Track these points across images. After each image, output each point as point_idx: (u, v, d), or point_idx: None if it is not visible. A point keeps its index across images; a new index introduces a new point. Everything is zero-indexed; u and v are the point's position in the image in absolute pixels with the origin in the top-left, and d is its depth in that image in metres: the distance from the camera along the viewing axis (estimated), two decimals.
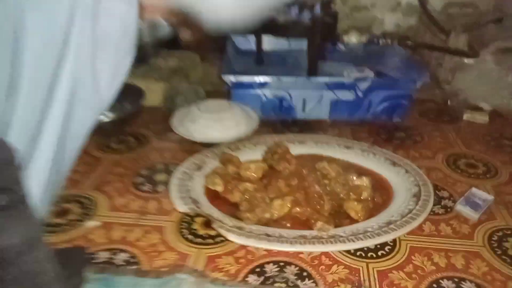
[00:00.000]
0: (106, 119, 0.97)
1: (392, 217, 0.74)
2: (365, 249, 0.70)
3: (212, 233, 0.73)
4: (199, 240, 0.72)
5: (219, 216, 0.75)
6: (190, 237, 0.73)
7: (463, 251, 0.71)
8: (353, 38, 1.19)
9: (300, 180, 0.83)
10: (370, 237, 0.69)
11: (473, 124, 1.15)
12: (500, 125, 1.13)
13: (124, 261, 0.68)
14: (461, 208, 0.80)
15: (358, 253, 0.70)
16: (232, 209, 0.78)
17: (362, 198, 0.79)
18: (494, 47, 1.26)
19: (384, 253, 0.70)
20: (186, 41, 1.46)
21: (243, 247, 0.70)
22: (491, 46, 1.26)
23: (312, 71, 1.08)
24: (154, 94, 1.11)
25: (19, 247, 0.45)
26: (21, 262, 0.45)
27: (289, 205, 0.77)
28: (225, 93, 1.17)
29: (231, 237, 0.70)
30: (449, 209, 0.81)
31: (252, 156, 0.93)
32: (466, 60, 1.26)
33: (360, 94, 1.09)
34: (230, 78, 1.06)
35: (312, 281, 0.65)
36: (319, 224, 0.72)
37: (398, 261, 0.69)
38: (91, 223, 0.76)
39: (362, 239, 0.69)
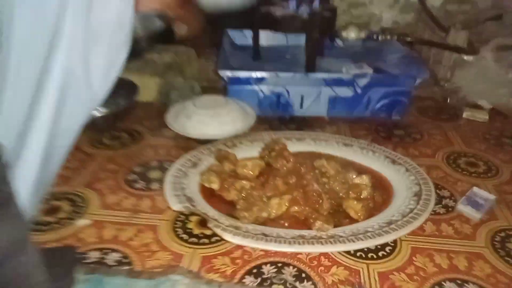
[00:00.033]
0: (98, 114, 0.94)
1: (393, 217, 0.72)
2: (365, 249, 0.68)
3: (208, 232, 0.71)
4: (194, 239, 0.70)
5: (215, 215, 0.73)
6: (184, 236, 0.70)
7: (465, 252, 0.69)
8: (352, 34, 1.17)
9: (298, 178, 0.81)
10: (370, 238, 0.67)
11: (472, 122, 1.13)
12: (500, 123, 1.12)
13: (116, 261, 0.65)
14: (462, 207, 0.78)
15: (358, 254, 0.68)
16: (228, 208, 0.76)
17: (362, 197, 0.77)
18: (494, 44, 1.24)
19: (385, 254, 0.68)
20: (181, 36, 1.44)
21: (239, 247, 0.68)
22: (491, 43, 1.25)
23: (310, 67, 1.06)
24: (148, 89, 1.09)
25: (6, 249, 0.42)
26: (8, 265, 0.43)
27: (287, 204, 0.75)
28: (221, 89, 1.14)
29: (227, 236, 0.68)
30: (450, 209, 0.79)
31: (249, 153, 0.91)
32: (465, 58, 1.24)
33: (358, 90, 1.07)
34: (227, 73, 1.04)
35: (311, 282, 0.63)
36: (318, 223, 0.70)
37: (399, 262, 0.67)
38: (82, 222, 0.73)
39: (362, 240, 0.67)
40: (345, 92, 1.07)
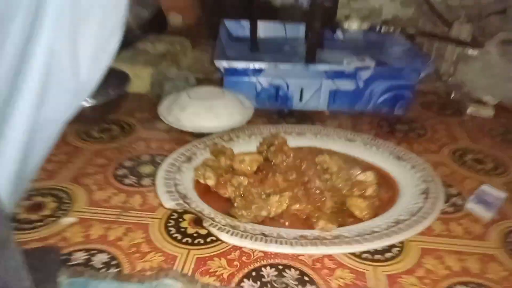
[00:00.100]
0: (87, 105, 0.89)
1: (401, 216, 0.68)
2: (371, 250, 0.64)
3: (203, 232, 0.66)
4: (188, 239, 0.65)
5: (211, 213, 0.68)
6: (178, 236, 0.65)
7: (477, 253, 0.65)
8: (354, 25, 1.13)
9: (298, 175, 0.77)
10: (378, 238, 0.62)
11: (477, 118, 1.09)
12: (506, 119, 1.08)
13: (103, 263, 0.60)
14: (472, 206, 0.74)
15: (363, 256, 0.63)
16: (225, 206, 0.71)
17: (366, 194, 0.73)
18: (499, 39, 1.20)
19: (393, 255, 0.64)
20: (176, 26, 1.39)
21: (237, 248, 0.63)
22: (495, 38, 1.21)
23: (311, 58, 1.01)
24: (140, 79, 1.03)
25: None
26: None
27: (287, 202, 0.70)
28: (217, 81, 1.10)
29: (223, 237, 0.63)
30: (459, 208, 0.75)
31: (246, 147, 0.86)
32: (469, 52, 1.20)
33: (360, 84, 1.02)
34: (223, 64, 0.99)
35: (314, 287, 0.58)
36: (321, 223, 0.65)
37: (408, 264, 0.63)
38: (67, 220, 0.68)
39: (369, 240, 0.62)
40: (347, 85, 1.02)
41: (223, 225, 0.65)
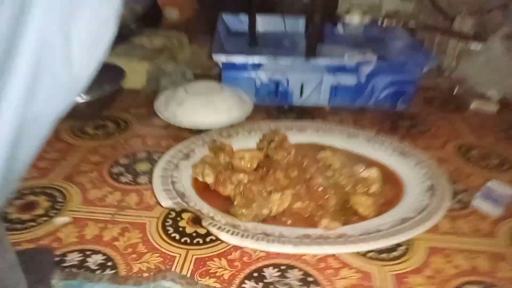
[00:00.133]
0: (81, 100, 0.86)
1: (407, 214, 0.66)
2: (377, 249, 0.62)
3: (202, 231, 0.64)
4: (186, 239, 0.62)
5: (210, 212, 0.65)
6: (176, 236, 0.63)
7: (486, 252, 0.63)
8: (355, 19, 1.10)
9: (300, 172, 0.74)
10: (385, 237, 0.60)
11: (481, 114, 1.07)
12: (510, 115, 1.06)
13: (98, 264, 0.58)
14: (479, 203, 0.72)
15: (369, 255, 0.61)
16: (225, 204, 0.69)
17: (371, 192, 0.70)
18: (502, 33, 1.19)
19: (399, 254, 0.62)
20: (173, 20, 1.36)
21: (237, 248, 0.61)
22: (499, 32, 1.19)
23: (311, 52, 0.99)
24: (136, 74, 1.00)
25: None
26: None
27: (289, 200, 0.68)
28: (215, 76, 1.07)
29: (223, 236, 0.60)
30: (465, 204, 0.73)
31: (245, 144, 0.83)
32: (472, 46, 1.18)
33: (362, 79, 1.00)
34: (221, 59, 0.96)
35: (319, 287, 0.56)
36: (325, 221, 0.63)
37: (415, 263, 0.60)
38: (60, 220, 0.65)
39: (376, 239, 0.60)
40: (348, 80, 1.00)
41: (223, 225, 0.62)
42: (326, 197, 0.68)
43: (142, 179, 0.75)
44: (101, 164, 0.79)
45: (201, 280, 0.56)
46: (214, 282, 0.56)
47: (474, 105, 1.09)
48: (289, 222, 0.66)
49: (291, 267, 0.59)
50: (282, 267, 0.58)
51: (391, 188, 0.74)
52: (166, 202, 0.66)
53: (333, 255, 0.61)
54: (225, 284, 0.56)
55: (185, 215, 0.67)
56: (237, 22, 1.23)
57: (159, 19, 1.27)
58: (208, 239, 0.63)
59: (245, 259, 0.60)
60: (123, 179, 0.75)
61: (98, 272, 0.56)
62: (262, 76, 0.99)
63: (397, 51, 1.12)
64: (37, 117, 0.42)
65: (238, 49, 1.10)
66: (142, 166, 0.78)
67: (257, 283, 0.56)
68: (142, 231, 0.63)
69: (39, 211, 0.67)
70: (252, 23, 1.13)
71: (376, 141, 0.85)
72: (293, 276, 0.57)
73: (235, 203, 0.67)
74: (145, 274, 0.56)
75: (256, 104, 0.96)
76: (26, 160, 0.45)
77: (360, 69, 0.98)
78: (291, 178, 0.73)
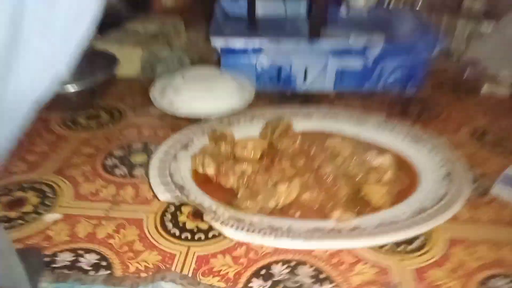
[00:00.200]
0: (72, 90, 0.81)
1: (425, 203, 0.61)
2: (393, 242, 0.57)
3: (204, 226, 0.59)
4: (187, 235, 0.58)
5: (212, 206, 0.60)
6: (176, 232, 0.58)
7: (511, 242, 0.58)
8: (360, 0, 1.05)
9: (307, 160, 0.69)
10: (403, 228, 0.55)
11: (493, 98, 1.02)
12: None
13: (92, 265, 0.53)
14: (500, 190, 0.67)
15: (385, 248, 0.56)
16: (228, 197, 0.64)
17: (384, 180, 0.66)
18: None
19: (417, 247, 0.57)
20: (168, 5, 1.30)
21: (243, 243, 0.56)
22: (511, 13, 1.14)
23: (315, 34, 0.93)
24: (130, 62, 0.95)
25: None
26: None
27: (297, 190, 0.63)
28: (213, 63, 1.01)
29: (227, 231, 0.56)
30: (484, 192, 0.68)
31: (248, 132, 0.78)
32: (483, 27, 1.13)
33: (369, 62, 0.95)
34: (220, 43, 0.91)
35: (333, 285, 0.51)
36: (337, 212, 0.58)
37: (435, 256, 0.56)
38: (51, 216, 0.61)
39: (394, 231, 0.55)
40: (354, 64, 0.95)
41: (227, 219, 0.57)
42: (337, 186, 0.64)
43: (138, 172, 0.70)
44: (94, 156, 0.74)
45: (203, 280, 0.51)
46: (218, 281, 0.51)
47: (485, 88, 1.04)
48: (297, 214, 0.61)
49: (302, 263, 0.54)
50: (292, 264, 0.54)
51: (404, 176, 0.69)
52: (164, 196, 0.61)
53: (346, 249, 0.56)
54: (230, 283, 0.51)
55: (185, 209, 0.62)
56: (235, 6, 1.17)
57: (148, 3, 1.21)
58: (210, 235, 0.58)
59: (251, 255, 0.55)
60: (117, 171, 0.70)
61: (91, 273, 0.52)
62: (263, 61, 0.93)
63: (404, 34, 1.07)
64: (16, 94, 0.37)
65: (237, 34, 1.04)
66: (138, 158, 0.73)
67: (265, 281, 0.51)
68: (139, 228, 0.59)
69: (28, 208, 0.62)
70: (251, 6, 1.07)
71: (386, 126, 0.80)
72: (304, 273, 0.53)
73: (239, 195, 0.63)
74: (143, 274, 0.51)
75: (257, 90, 0.91)
76: (4, 145, 0.40)
77: (367, 51, 0.93)
78: (298, 168, 0.68)
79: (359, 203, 0.64)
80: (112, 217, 0.60)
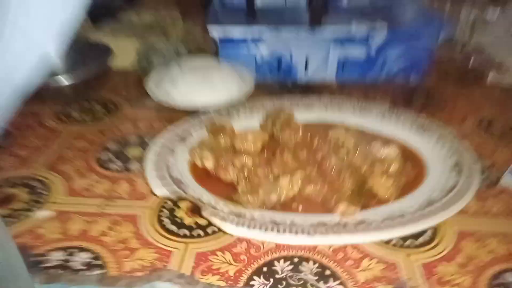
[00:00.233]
0: (65, 82, 0.78)
1: (433, 195, 0.58)
2: (401, 236, 0.54)
3: (203, 222, 0.56)
4: (185, 231, 0.55)
5: (211, 200, 0.58)
6: (173, 228, 0.56)
7: None
8: None
9: (310, 152, 0.67)
10: (411, 222, 0.53)
11: (499, 87, 0.99)
12: None
13: (85, 264, 0.50)
14: (510, 181, 0.65)
15: (392, 243, 0.54)
16: (227, 191, 0.61)
17: (390, 172, 0.63)
18: None
19: (425, 240, 0.55)
20: None
21: (244, 239, 0.54)
22: None
23: (316, 22, 0.90)
24: (125, 53, 0.92)
25: None
26: None
27: (300, 183, 0.60)
28: (211, 53, 0.98)
29: (227, 227, 0.53)
30: (493, 183, 0.66)
31: (248, 124, 0.75)
32: (488, 14, 1.10)
33: (372, 50, 0.92)
34: (217, 32, 0.88)
35: (338, 282, 0.49)
36: (343, 206, 0.55)
37: (444, 250, 0.53)
38: (42, 213, 0.58)
39: (402, 225, 0.52)
40: (357, 52, 0.92)
41: (226, 214, 0.55)
42: (341, 179, 0.61)
43: (134, 166, 0.67)
44: (87, 150, 0.71)
45: (202, 278, 0.48)
46: (217, 280, 0.48)
47: (491, 77, 1.01)
48: (300, 208, 0.59)
49: (305, 259, 0.51)
50: (295, 260, 0.51)
51: (411, 167, 0.66)
52: (161, 190, 0.59)
53: (352, 244, 0.53)
54: (231, 282, 0.48)
55: (183, 205, 0.59)
56: None
57: None
58: (209, 231, 0.55)
59: (252, 252, 0.52)
60: (112, 166, 0.67)
61: (84, 272, 0.49)
62: (263, 51, 0.90)
63: (407, 21, 1.03)
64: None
65: (235, 23, 1.01)
66: (134, 151, 0.71)
67: (267, 279, 0.49)
68: (134, 224, 0.56)
69: (18, 205, 0.59)
70: None
71: (391, 116, 0.78)
72: (308, 269, 0.50)
73: (239, 189, 0.60)
74: (139, 274, 0.49)
75: (257, 81, 0.88)
76: None
77: (370, 40, 0.90)
78: (300, 160, 0.66)
79: (365, 196, 0.61)
80: (106, 214, 0.58)
